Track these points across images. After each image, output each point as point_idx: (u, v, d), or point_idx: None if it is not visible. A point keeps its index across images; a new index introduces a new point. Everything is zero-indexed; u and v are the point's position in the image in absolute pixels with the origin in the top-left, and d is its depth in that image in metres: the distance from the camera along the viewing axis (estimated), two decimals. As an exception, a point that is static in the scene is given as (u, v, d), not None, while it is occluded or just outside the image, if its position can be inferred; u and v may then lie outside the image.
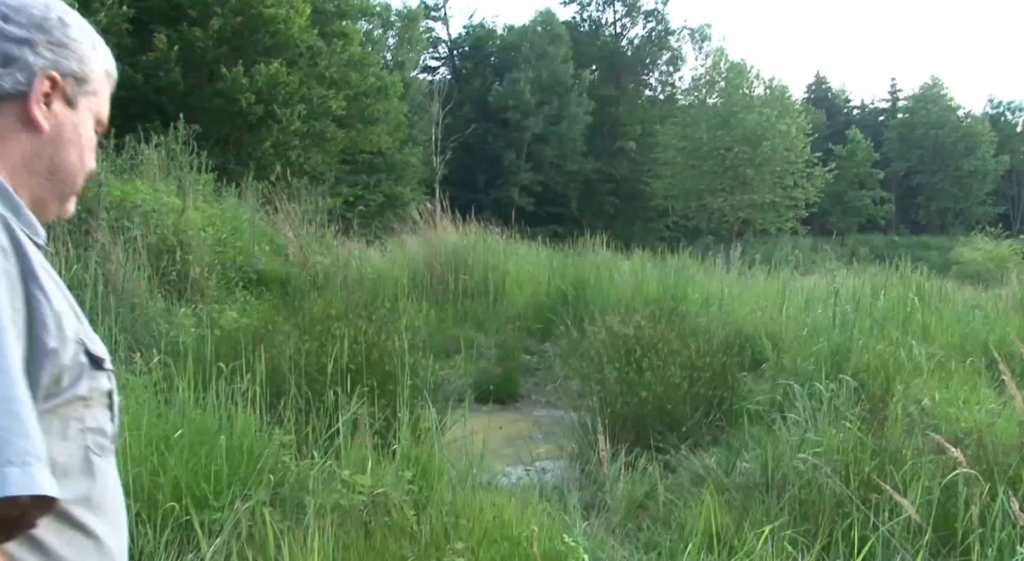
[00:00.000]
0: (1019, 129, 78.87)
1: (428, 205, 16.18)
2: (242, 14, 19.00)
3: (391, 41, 44.82)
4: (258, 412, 5.14)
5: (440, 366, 10.19)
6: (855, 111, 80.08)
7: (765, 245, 40.33)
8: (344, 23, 26.21)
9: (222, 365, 5.31)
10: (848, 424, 5.41)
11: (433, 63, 55.98)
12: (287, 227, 11.78)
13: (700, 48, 56.47)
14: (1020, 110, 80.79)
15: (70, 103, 1.37)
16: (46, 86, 1.32)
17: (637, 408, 6.62)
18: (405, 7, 45.87)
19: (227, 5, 18.74)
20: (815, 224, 53.46)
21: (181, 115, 11.29)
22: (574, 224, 40.06)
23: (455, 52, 55.84)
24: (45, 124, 1.33)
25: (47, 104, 1.33)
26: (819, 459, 5.00)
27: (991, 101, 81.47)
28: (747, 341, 8.50)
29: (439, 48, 55.56)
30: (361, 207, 19.83)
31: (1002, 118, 78.48)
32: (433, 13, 53.27)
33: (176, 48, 18.05)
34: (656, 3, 57.30)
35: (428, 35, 52.69)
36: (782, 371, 7.42)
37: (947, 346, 8.33)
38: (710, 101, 45.41)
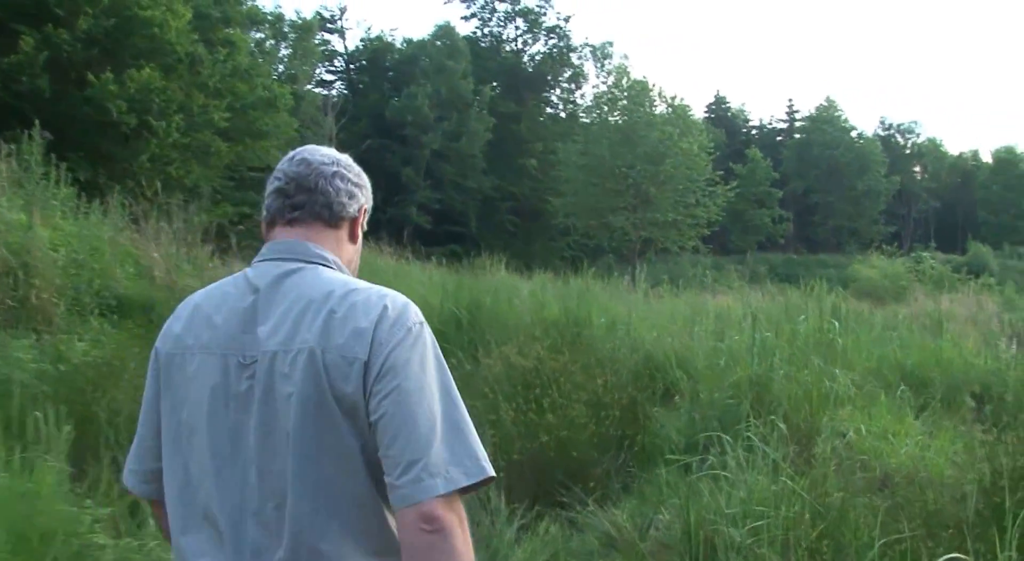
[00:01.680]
0: (908, 151, 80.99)
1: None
2: (115, 15, 17.65)
3: (284, 52, 43.42)
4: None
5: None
6: (754, 131, 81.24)
7: (667, 264, 40.08)
8: (230, 31, 24.93)
9: (60, 407, 4.33)
10: (783, 478, 4.64)
11: (328, 77, 54.58)
12: (153, 247, 10.61)
13: (602, 66, 56.55)
14: (909, 132, 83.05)
15: (364, 225, 2.00)
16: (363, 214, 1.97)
17: (537, 455, 5.75)
18: (299, 18, 44.44)
19: (99, 5, 17.40)
20: (715, 243, 53.68)
21: (37, 122, 10.06)
22: (473, 243, 39.23)
23: (351, 66, 54.56)
24: (359, 236, 1.98)
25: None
26: (751, 520, 4.22)
27: (882, 123, 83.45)
28: (657, 370, 7.74)
29: (335, 61, 54.19)
30: (241, 227, 18.57)
31: (892, 139, 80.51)
32: (328, 25, 51.95)
33: (44, 52, 16.68)
34: (558, 19, 57.17)
35: (323, 47, 51.35)
36: (697, 404, 6.66)
37: (867, 372, 7.72)
38: (612, 119, 45.11)
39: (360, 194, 1.91)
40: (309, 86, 45.62)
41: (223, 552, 1.68)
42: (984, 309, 10.80)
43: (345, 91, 53.49)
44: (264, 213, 1.87)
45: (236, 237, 14.32)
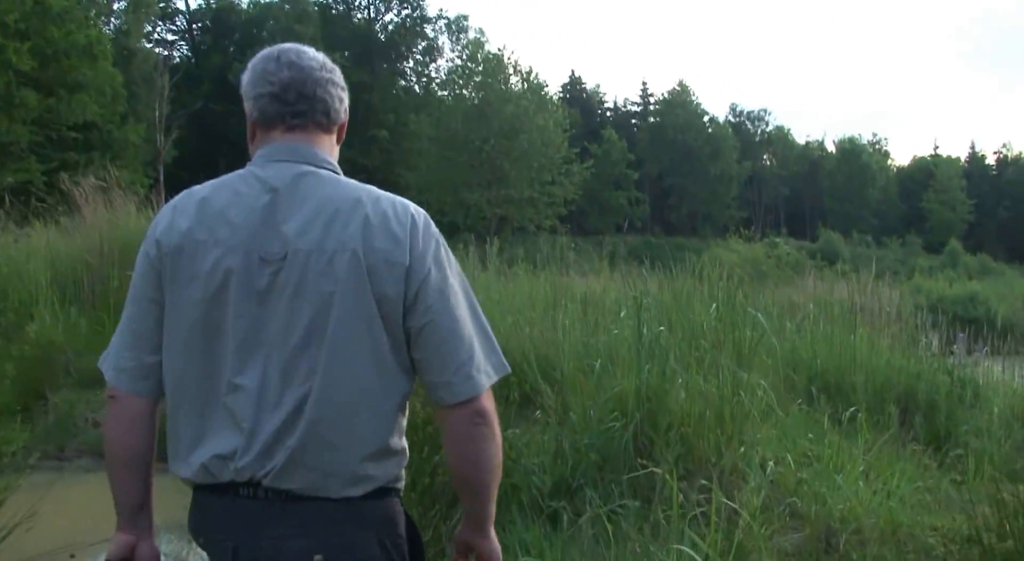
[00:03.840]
0: (758, 139, 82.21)
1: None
2: None
3: (119, 4, 39.86)
4: None
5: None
6: (609, 112, 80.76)
7: (524, 244, 38.66)
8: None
9: None
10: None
11: (171, 37, 50.93)
12: None
13: (457, 39, 54.58)
14: (759, 120, 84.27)
15: None
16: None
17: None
18: (133, -33, 40.85)
19: None
20: (573, 223, 52.64)
21: None
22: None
23: (194, 25, 50.95)
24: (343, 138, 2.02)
25: None
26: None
27: (733, 110, 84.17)
28: (514, 370, 5.97)
29: (176, 20, 50.53)
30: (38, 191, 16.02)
31: (743, 126, 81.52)
32: (168, -20, 48.32)
33: None
34: (412, -12, 54.89)
35: (163, 3, 47.71)
36: (567, 425, 4.97)
37: (773, 373, 6.20)
38: (466, 93, 43.39)
39: (346, 97, 1.97)
40: (147, 44, 42.33)
41: (238, 438, 1.71)
42: (880, 298, 9.42)
43: (187, 52, 50.07)
44: (255, 114, 1.89)
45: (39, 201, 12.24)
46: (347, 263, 1.70)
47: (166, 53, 47.59)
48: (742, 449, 4.51)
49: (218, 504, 1.75)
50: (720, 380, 4.77)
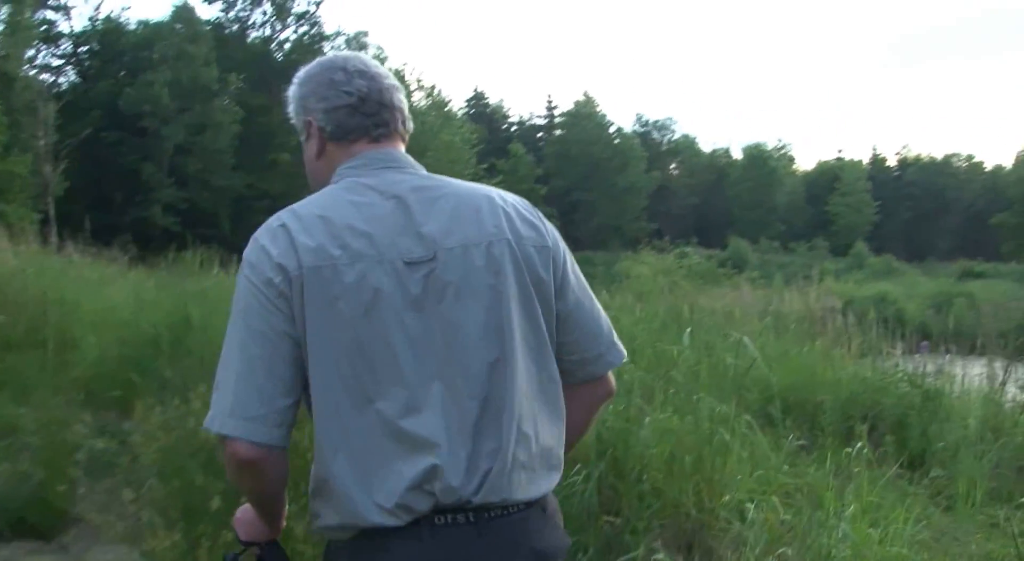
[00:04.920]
0: (664, 148, 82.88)
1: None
2: None
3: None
4: None
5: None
6: (514, 127, 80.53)
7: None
8: None
9: None
10: None
11: (56, 62, 48.65)
12: None
13: (357, 57, 53.50)
14: (665, 129, 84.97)
15: None
16: None
17: None
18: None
19: None
20: (480, 241, 51.94)
21: None
22: (228, 246, 35.29)
23: (79, 49, 48.73)
24: None
25: None
26: None
27: (639, 119, 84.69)
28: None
29: (61, 44, 48.23)
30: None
31: (649, 136, 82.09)
32: (51, 2, 45.87)
33: None
34: (308, 5, 53.41)
35: (46, 27, 45.51)
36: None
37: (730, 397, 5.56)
38: (370, 112, 42.40)
39: None
40: (30, 70, 40.33)
41: (430, 459, 1.58)
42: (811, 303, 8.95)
43: (75, 77, 48.12)
44: (330, 128, 1.82)
45: None
46: (506, 254, 1.69)
47: (52, 78, 45.64)
48: (726, 497, 3.83)
49: (408, 546, 1.57)
50: (696, 417, 4.08)
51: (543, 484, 1.69)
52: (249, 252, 1.66)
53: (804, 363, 6.58)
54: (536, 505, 1.68)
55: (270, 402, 1.60)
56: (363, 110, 1.80)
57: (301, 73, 1.89)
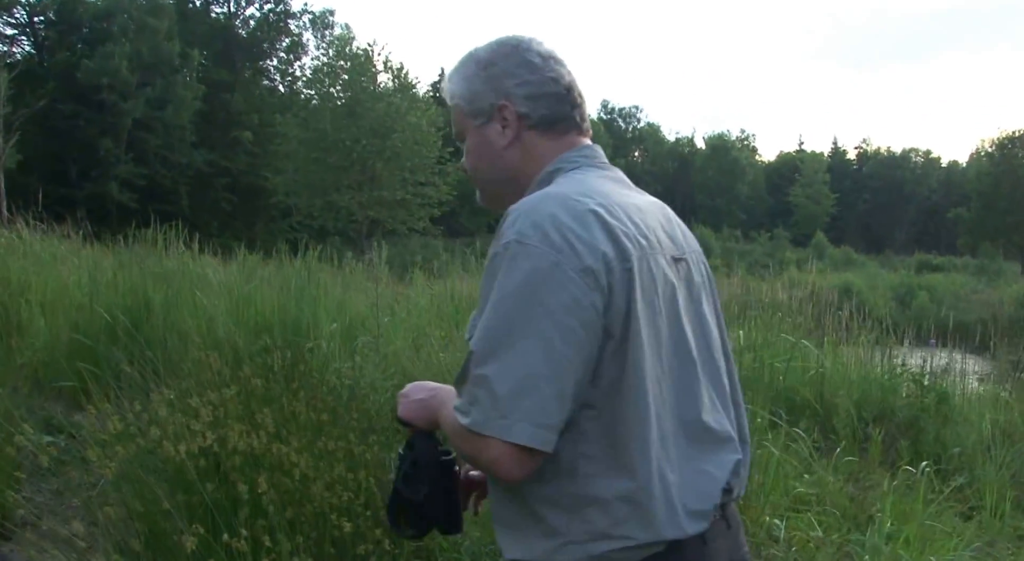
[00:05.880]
0: (629, 136, 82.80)
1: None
2: None
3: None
4: None
5: None
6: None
7: (396, 247, 37.15)
8: None
9: None
10: None
11: (9, 31, 47.21)
12: None
13: (322, 36, 52.60)
14: (631, 117, 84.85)
15: None
16: None
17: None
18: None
19: None
20: (444, 224, 51.41)
21: None
22: (187, 224, 34.32)
23: (36, 19, 47.29)
24: None
25: None
26: None
27: (605, 106, 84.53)
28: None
29: (15, 13, 46.68)
30: None
31: (615, 123, 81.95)
32: (5, -31, 44.56)
33: None
34: (274, -19, 52.68)
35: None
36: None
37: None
38: (334, 91, 41.58)
39: None
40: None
41: (733, 457, 1.57)
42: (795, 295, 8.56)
43: (30, 48, 46.79)
44: (539, 113, 1.68)
45: None
46: (706, 262, 1.73)
47: (5, 48, 44.32)
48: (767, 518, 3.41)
49: (697, 549, 1.49)
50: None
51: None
52: (553, 234, 1.42)
53: (812, 361, 6.19)
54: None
55: (567, 410, 1.42)
56: (570, 100, 1.69)
57: (483, 52, 1.72)
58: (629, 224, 1.50)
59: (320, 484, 3.08)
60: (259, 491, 2.85)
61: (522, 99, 1.66)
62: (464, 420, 1.43)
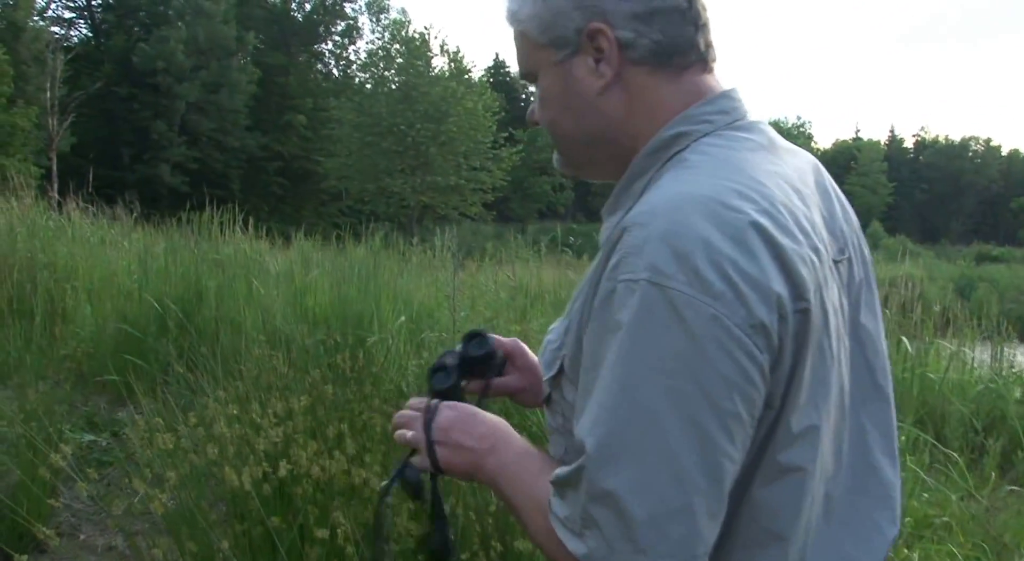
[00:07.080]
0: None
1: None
2: None
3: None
4: None
5: None
6: (532, 98, 79.68)
7: (448, 233, 36.67)
8: None
9: None
10: None
11: (68, 14, 47.58)
12: None
13: (377, 20, 52.38)
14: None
15: None
16: None
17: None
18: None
19: None
20: (495, 210, 51.12)
21: None
22: (237, 208, 34.06)
23: (93, 3, 47.58)
24: None
25: None
26: None
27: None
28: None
29: (74, -4, 47.04)
30: None
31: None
32: (64, -47, 44.95)
33: None
34: (330, -35, 52.61)
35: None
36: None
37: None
38: (388, 75, 41.31)
39: None
40: (40, 21, 39.26)
41: (891, 528, 1.15)
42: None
43: (88, 32, 47.08)
44: (649, 42, 1.12)
45: None
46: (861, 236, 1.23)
47: (63, 31, 44.56)
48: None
49: None
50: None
51: None
52: (708, 272, 0.93)
53: (912, 363, 5.61)
54: None
55: (720, 515, 0.97)
56: (692, 18, 1.14)
57: None
58: (798, 233, 1.01)
59: (405, 515, 2.58)
60: (335, 526, 2.36)
61: (628, 18, 1.12)
62: (576, 547, 1.00)
